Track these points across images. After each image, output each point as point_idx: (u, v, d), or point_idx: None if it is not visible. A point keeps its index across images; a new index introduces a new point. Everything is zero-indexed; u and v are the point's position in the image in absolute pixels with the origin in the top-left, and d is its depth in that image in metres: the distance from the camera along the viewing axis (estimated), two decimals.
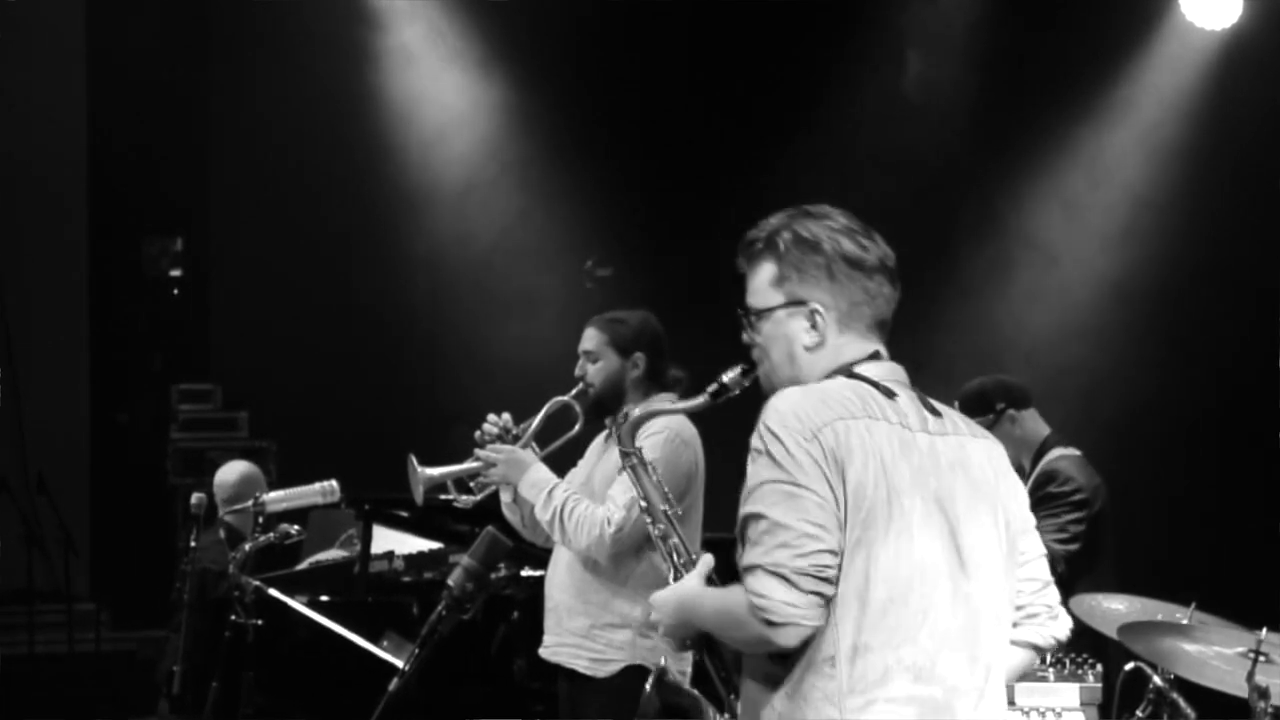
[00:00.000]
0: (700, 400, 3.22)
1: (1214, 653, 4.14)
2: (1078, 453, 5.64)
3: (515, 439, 4.87)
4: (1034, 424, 5.68)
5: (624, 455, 3.42)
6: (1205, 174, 8.04)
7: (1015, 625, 2.94)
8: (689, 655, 3.85)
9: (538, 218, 9.42)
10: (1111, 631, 4.44)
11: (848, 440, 2.73)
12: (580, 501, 4.68)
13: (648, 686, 3.30)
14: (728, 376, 3.12)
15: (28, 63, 9.63)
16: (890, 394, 2.83)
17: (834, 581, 2.70)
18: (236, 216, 10.12)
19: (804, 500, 2.70)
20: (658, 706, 3.21)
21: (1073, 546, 5.37)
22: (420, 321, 9.81)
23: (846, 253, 2.91)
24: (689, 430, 4.74)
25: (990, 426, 5.54)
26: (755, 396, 2.96)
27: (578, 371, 4.92)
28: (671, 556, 3.23)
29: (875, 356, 2.91)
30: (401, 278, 9.75)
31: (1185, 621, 4.42)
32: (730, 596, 2.77)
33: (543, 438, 4.93)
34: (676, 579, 3.15)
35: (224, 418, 9.79)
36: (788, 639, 2.70)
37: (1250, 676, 3.95)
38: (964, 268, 8.53)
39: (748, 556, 2.73)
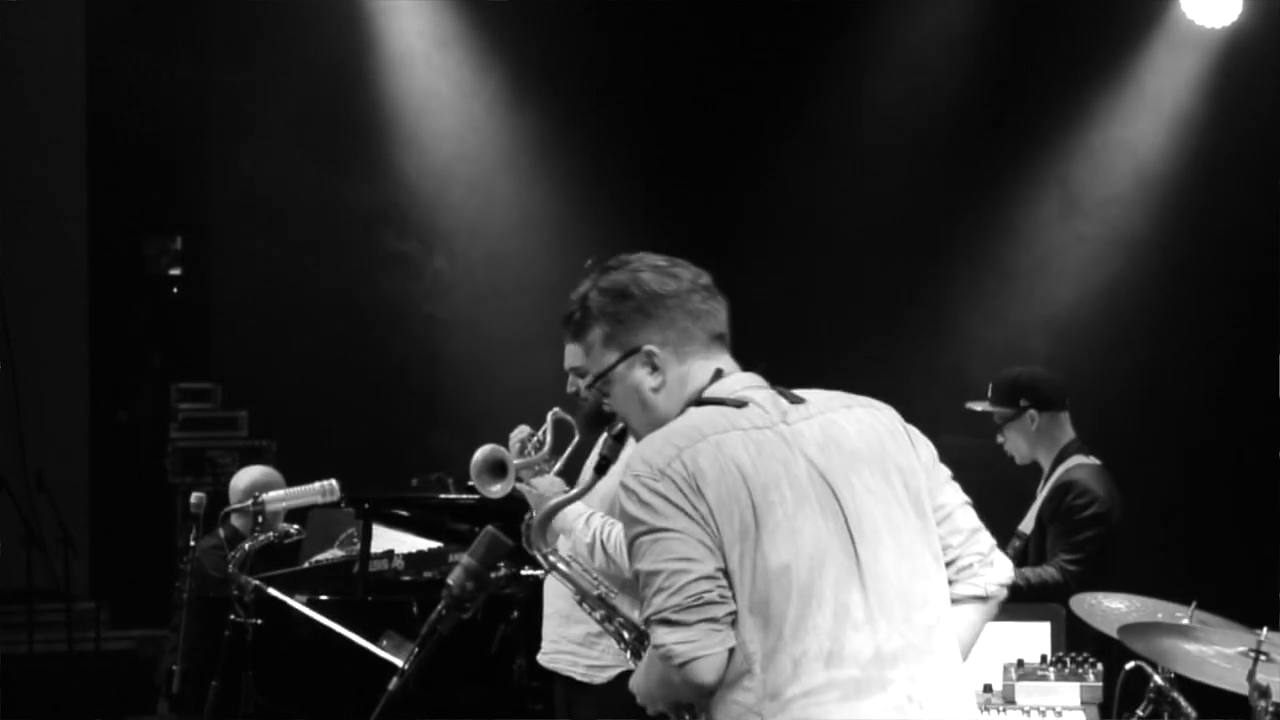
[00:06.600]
0: (589, 480, 3.30)
1: (1214, 652, 4.13)
2: (1097, 462, 5.61)
3: (539, 446, 4.86)
4: (1058, 427, 5.65)
5: (541, 558, 3.37)
6: (1205, 173, 8.02)
7: (952, 583, 2.93)
8: None
9: (541, 216, 9.40)
10: (1112, 631, 4.43)
11: (697, 464, 2.76)
12: (615, 524, 4.64)
13: None
14: (604, 448, 3.19)
15: (27, 61, 9.61)
16: (740, 404, 2.86)
17: (721, 601, 2.71)
18: (236, 216, 10.11)
19: (664, 541, 2.74)
20: None
21: (1082, 568, 5.35)
22: (420, 322, 9.80)
23: (655, 288, 2.96)
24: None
25: (1009, 419, 5.61)
26: None
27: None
28: (621, 635, 3.24)
29: (719, 375, 2.95)
30: (402, 277, 9.73)
31: (1186, 621, 4.41)
32: (651, 661, 2.80)
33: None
34: (632, 655, 3.18)
35: (224, 417, 9.79)
36: (702, 674, 2.72)
37: (1251, 675, 3.95)
38: (962, 266, 8.52)
39: (640, 615, 2.79)
